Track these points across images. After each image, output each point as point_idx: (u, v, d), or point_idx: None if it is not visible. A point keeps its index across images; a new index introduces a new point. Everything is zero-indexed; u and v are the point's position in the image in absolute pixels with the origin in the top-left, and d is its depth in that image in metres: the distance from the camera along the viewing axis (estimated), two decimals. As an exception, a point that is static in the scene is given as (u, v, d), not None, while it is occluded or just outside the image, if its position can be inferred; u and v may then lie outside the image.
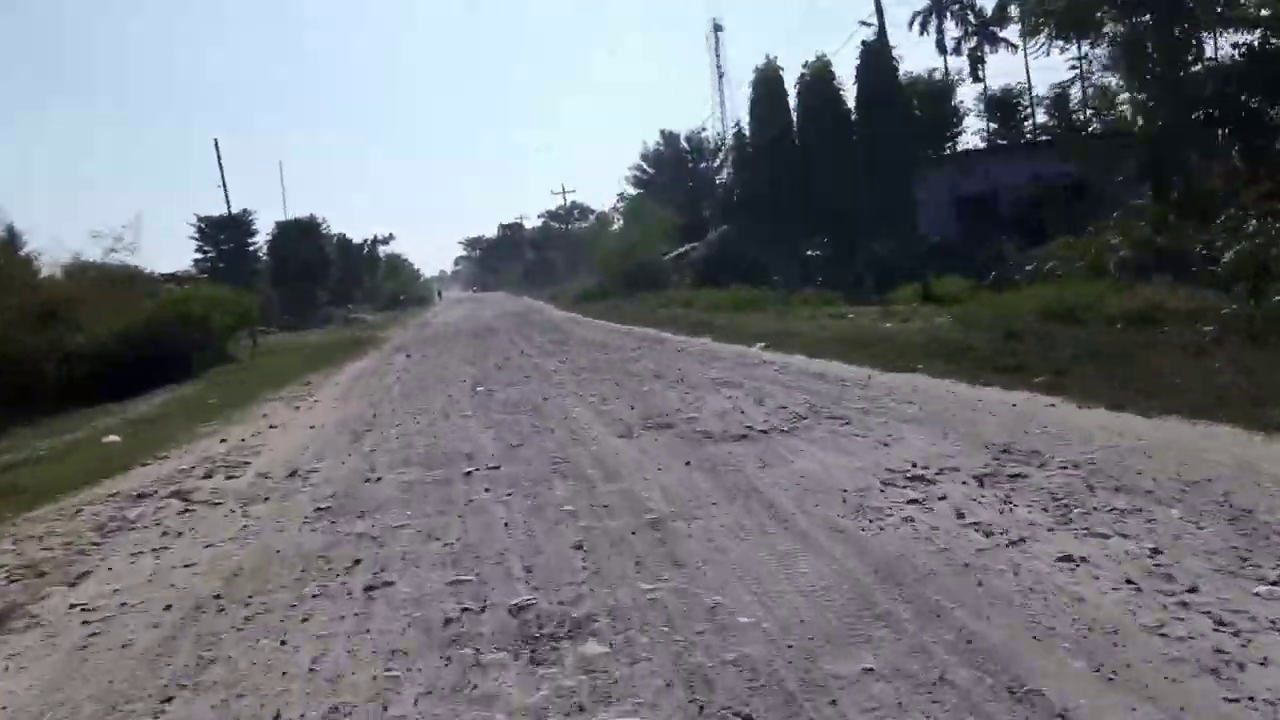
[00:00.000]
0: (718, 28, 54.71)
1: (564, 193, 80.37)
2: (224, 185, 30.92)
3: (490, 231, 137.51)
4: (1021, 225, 24.76)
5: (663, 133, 61.58)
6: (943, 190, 31.00)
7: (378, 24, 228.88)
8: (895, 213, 28.95)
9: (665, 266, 36.20)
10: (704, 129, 57.79)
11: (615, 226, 48.45)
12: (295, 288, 56.74)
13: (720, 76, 54.38)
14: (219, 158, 30.77)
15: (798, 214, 30.18)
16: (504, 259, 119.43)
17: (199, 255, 57.12)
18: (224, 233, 57.72)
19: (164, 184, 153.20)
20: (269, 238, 59.29)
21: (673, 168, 59.05)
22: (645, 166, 62.50)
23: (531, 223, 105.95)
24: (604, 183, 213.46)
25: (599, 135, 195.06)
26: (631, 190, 62.66)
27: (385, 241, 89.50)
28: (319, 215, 59.89)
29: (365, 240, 73.92)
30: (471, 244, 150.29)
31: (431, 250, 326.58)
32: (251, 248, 58.46)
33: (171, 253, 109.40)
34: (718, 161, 61.94)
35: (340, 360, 20.75)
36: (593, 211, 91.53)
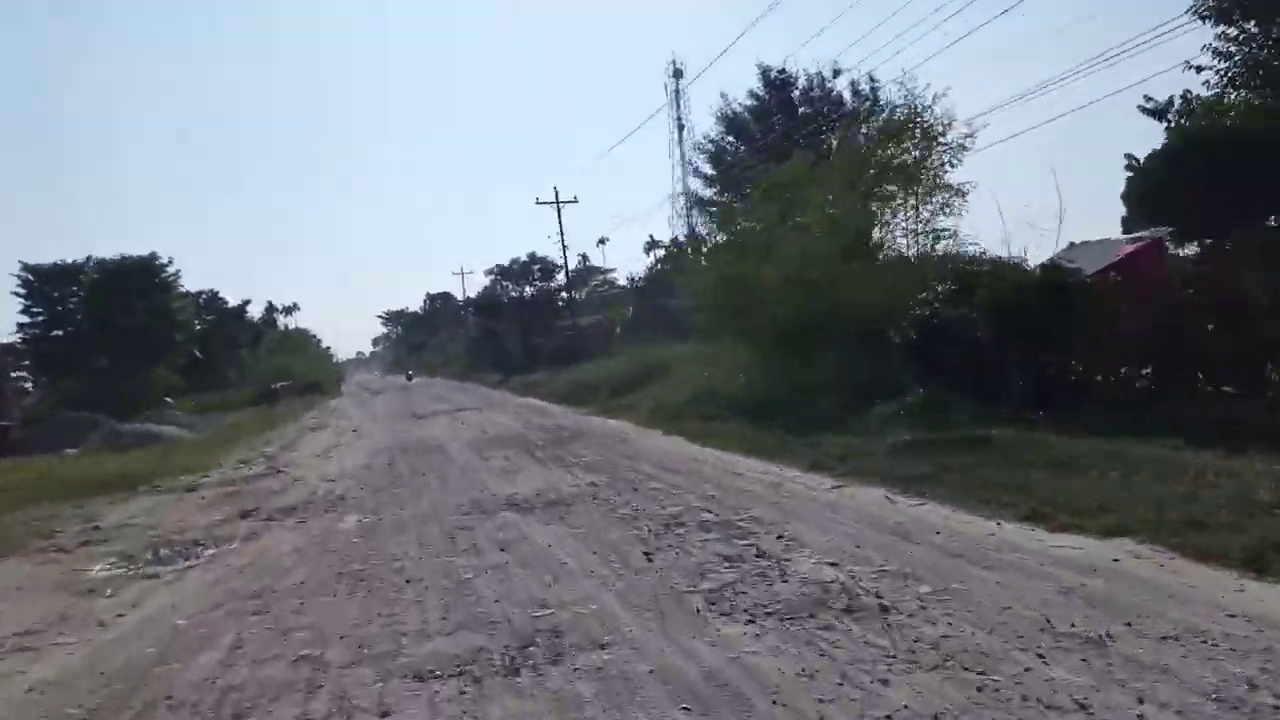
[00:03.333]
0: (678, 73, 40.55)
1: (556, 201, 40.59)
2: None
3: (415, 304, 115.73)
4: None
5: (766, 73, 34.46)
6: None
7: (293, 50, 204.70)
8: None
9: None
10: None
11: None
12: (121, 365, 35.09)
13: (680, 129, 40.48)
14: None
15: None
16: (432, 336, 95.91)
17: (24, 318, 37.29)
18: (60, 287, 36.59)
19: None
20: (91, 289, 37.97)
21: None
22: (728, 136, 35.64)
23: (473, 286, 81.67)
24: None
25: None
26: (706, 192, 36.31)
27: (288, 311, 67.90)
28: (164, 255, 37.98)
29: (244, 303, 52.21)
30: (392, 318, 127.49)
31: (346, 331, 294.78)
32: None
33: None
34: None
35: None
36: (557, 267, 65.46)
